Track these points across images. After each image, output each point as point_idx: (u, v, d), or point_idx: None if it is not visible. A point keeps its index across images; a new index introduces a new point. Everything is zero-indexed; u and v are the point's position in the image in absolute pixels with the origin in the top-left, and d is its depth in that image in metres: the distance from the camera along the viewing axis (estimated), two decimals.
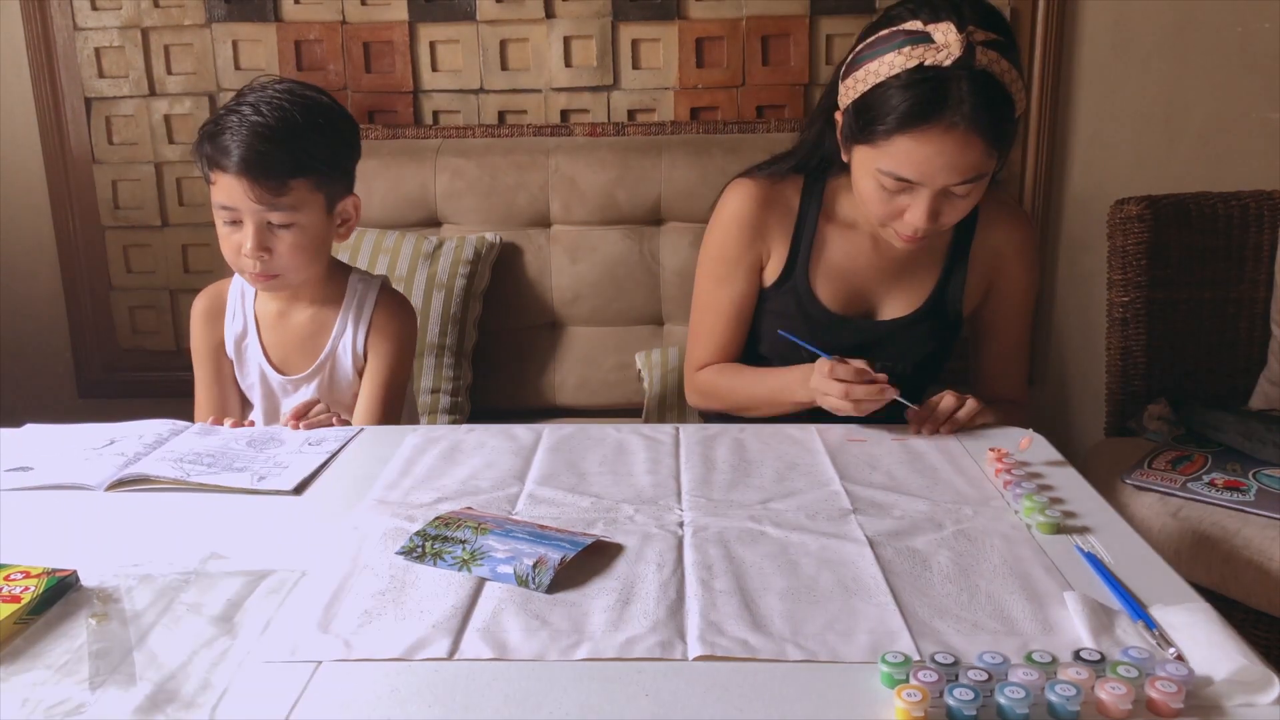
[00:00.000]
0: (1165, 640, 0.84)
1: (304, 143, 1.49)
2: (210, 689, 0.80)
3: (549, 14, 2.37)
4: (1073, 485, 1.19)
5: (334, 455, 1.30)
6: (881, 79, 1.34)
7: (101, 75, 2.43)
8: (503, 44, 2.39)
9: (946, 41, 1.29)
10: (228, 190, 1.48)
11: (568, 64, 2.39)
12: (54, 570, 0.96)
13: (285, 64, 2.40)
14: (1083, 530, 1.07)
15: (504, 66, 2.41)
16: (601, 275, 2.25)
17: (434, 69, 2.41)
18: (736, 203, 1.59)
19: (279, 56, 2.40)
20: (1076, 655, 0.81)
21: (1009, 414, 1.53)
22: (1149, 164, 2.39)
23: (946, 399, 1.37)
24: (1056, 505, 1.11)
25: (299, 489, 1.20)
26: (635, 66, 2.39)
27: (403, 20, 2.38)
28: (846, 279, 1.57)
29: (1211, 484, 1.77)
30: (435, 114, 2.44)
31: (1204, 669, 0.79)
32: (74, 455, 1.29)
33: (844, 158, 1.47)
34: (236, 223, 1.50)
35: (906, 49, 1.31)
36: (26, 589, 0.92)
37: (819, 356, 1.41)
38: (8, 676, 0.82)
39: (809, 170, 1.58)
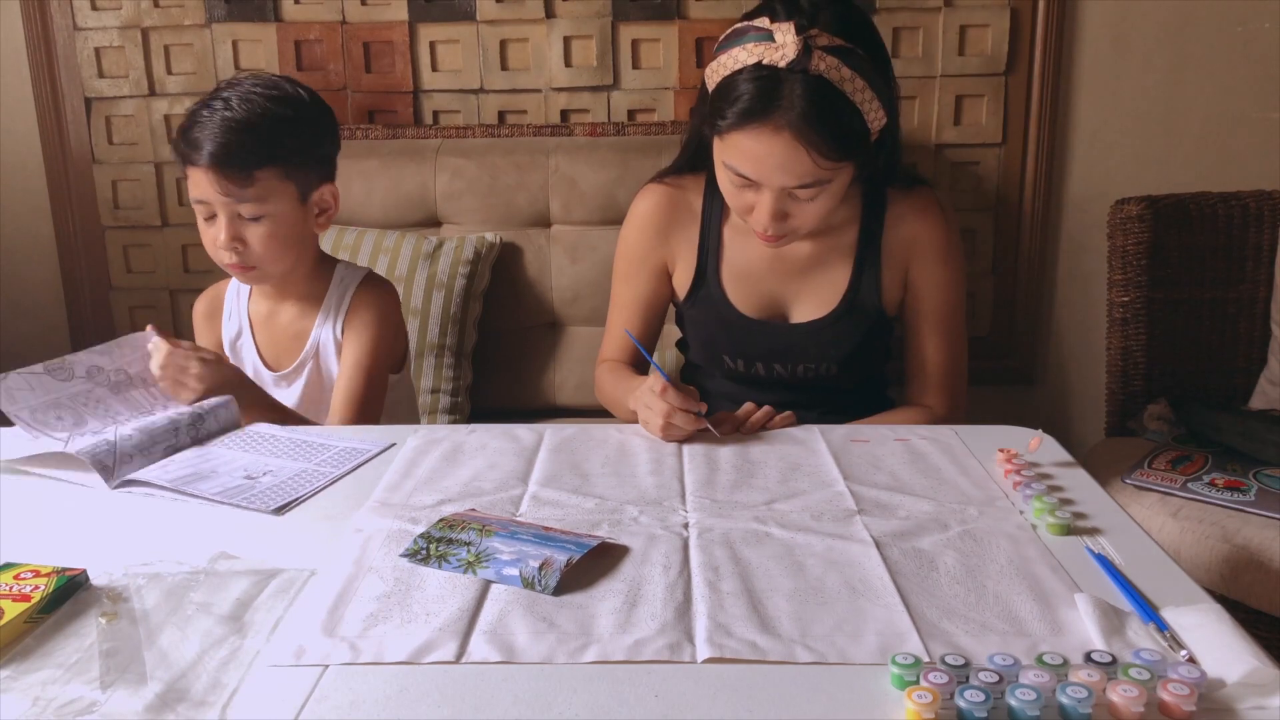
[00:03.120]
0: (1177, 642, 0.84)
1: (270, 133, 1.49)
2: (220, 688, 0.80)
3: (549, 14, 2.37)
4: (1082, 486, 1.19)
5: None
6: (729, 71, 1.35)
7: (101, 75, 2.43)
8: (503, 44, 2.39)
9: (784, 42, 1.30)
10: (199, 183, 1.50)
11: (568, 64, 2.39)
12: (64, 569, 0.96)
13: (285, 64, 2.40)
14: (1093, 531, 1.07)
15: (504, 66, 2.40)
16: (601, 275, 2.25)
17: (434, 69, 2.41)
18: (642, 205, 1.62)
19: (279, 56, 2.40)
20: (1088, 657, 0.81)
21: (908, 419, 1.51)
22: (1149, 164, 2.39)
23: (745, 410, 1.39)
24: (1066, 506, 1.11)
25: (280, 510, 1.15)
26: (635, 66, 2.39)
27: (403, 20, 2.38)
28: (756, 282, 1.56)
29: (1211, 484, 1.77)
30: (435, 114, 2.43)
31: (1216, 671, 0.79)
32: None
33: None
34: (212, 216, 1.52)
35: (751, 45, 1.32)
36: (36, 588, 0.92)
37: (656, 370, 1.38)
38: (18, 675, 0.82)
39: (704, 166, 1.55)
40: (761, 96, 1.30)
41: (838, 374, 1.57)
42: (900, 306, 1.60)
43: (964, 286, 1.59)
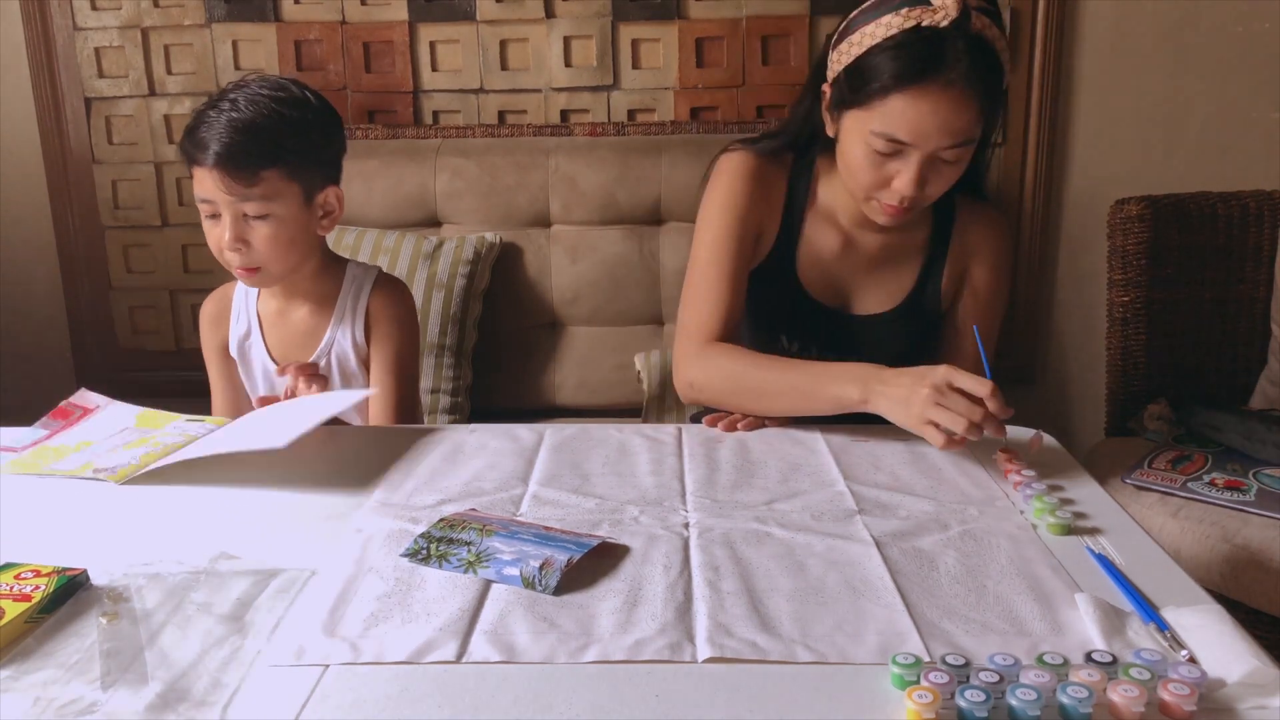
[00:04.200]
0: (1177, 642, 0.84)
1: (275, 134, 1.50)
2: (221, 688, 0.80)
3: (549, 14, 2.37)
4: (1082, 486, 1.19)
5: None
6: (878, 40, 1.35)
7: (101, 75, 2.43)
8: (503, 44, 2.39)
9: (945, 4, 1.31)
10: (204, 183, 1.50)
11: (568, 64, 2.39)
12: (64, 569, 0.96)
13: (285, 64, 2.40)
14: (1093, 531, 1.07)
15: (504, 66, 2.40)
16: (601, 275, 2.25)
17: (434, 69, 2.41)
18: (741, 166, 1.54)
19: (279, 56, 2.40)
20: (1088, 657, 0.81)
21: None
22: (1149, 164, 2.39)
23: None
24: (1066, 506, 1.11)
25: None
26: (635, 66, 2.39)
27: (403, 20, 2.38)
28: (827, 268, 1.56)
29: (1211, 484, 1.77)
30: (435, 114, 2.44)
31: (1216, 671, 0.79)
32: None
33: (829, 131, 1.46)
34: (216, 216, 1.52)
35: (904, 10, 1.33)
36: (37, 588, 0.92)
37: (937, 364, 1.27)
38: (19, 675, 0.82)
39: (798, 149, 1.56)
40: (930, 56, 1.31)
41: None
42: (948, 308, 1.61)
43: (1006, 304, 1.63)
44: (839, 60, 1.41)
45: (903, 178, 1.38)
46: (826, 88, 1.45)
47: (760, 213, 1.54)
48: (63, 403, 1.42)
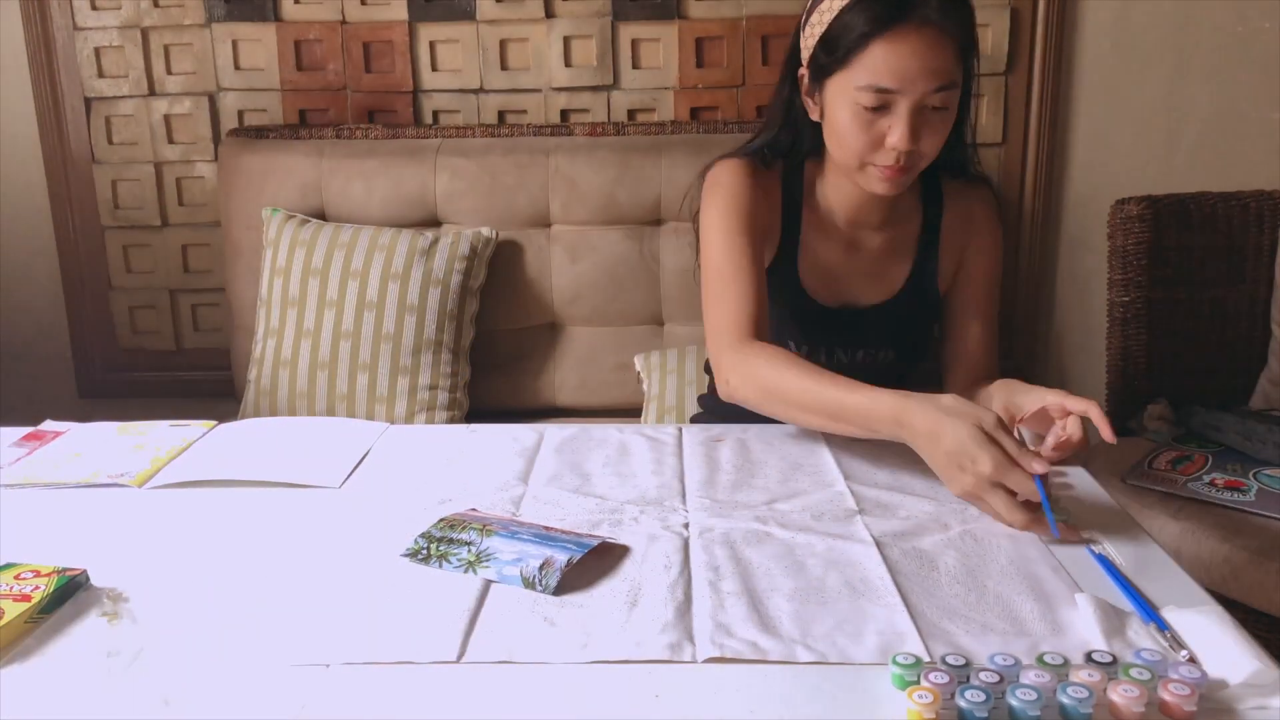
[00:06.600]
0: (1178, 643, 0.84)
1: None
2: (221, 688, 0.80)
3: (549, 14, 2.37)
4: (1082, 486, 1.19)
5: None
6: (846, 1, 1.36)
7: (101, 75, 2.42)
8: (503, 44, 2.39)
9: None
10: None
11: (568, 64, 2.39)
12: (64, 569, 0.96)
13: (285, 64, 2.40)
14: (1093, 532, 1.07)
15: (504, 66, 2.40)
16: (601, 275, 2.25)
17: (434, 69, 2.41)
18: (735, 169, 1.52)
19: (279, 56, 2.40)
20: (1088, 657, 0.81)
21: None
22: (1149, 164, 2.39)
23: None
24: (1068, 506, 1.11)
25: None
26: (635, 66, 2.39)
27: (403, 20, 2.38)
28: (829, 271, 1.56)
29: (1211, 484, 1.77)
30: (435, 114, 2.43)
31: (1217, 672, 0.79)
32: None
33: (813, 115, 1.46)
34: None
35: None
36: (36, 588, 0.92)
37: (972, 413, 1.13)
38: (19, 675, 0.82)
39: (784, 149, 1.54)
40: (896, 2, 1.32)
41: (894, 359, 1.59)
42: (947, 291, 1.61)
43: (1001, 280, 1.63)
44: (811, 36, 1.41)
45: (896, 131, 1.37)
46: (803, 70, 1.45)
47: (764, 214, 1.51)
48: (30, 429, 1.41)
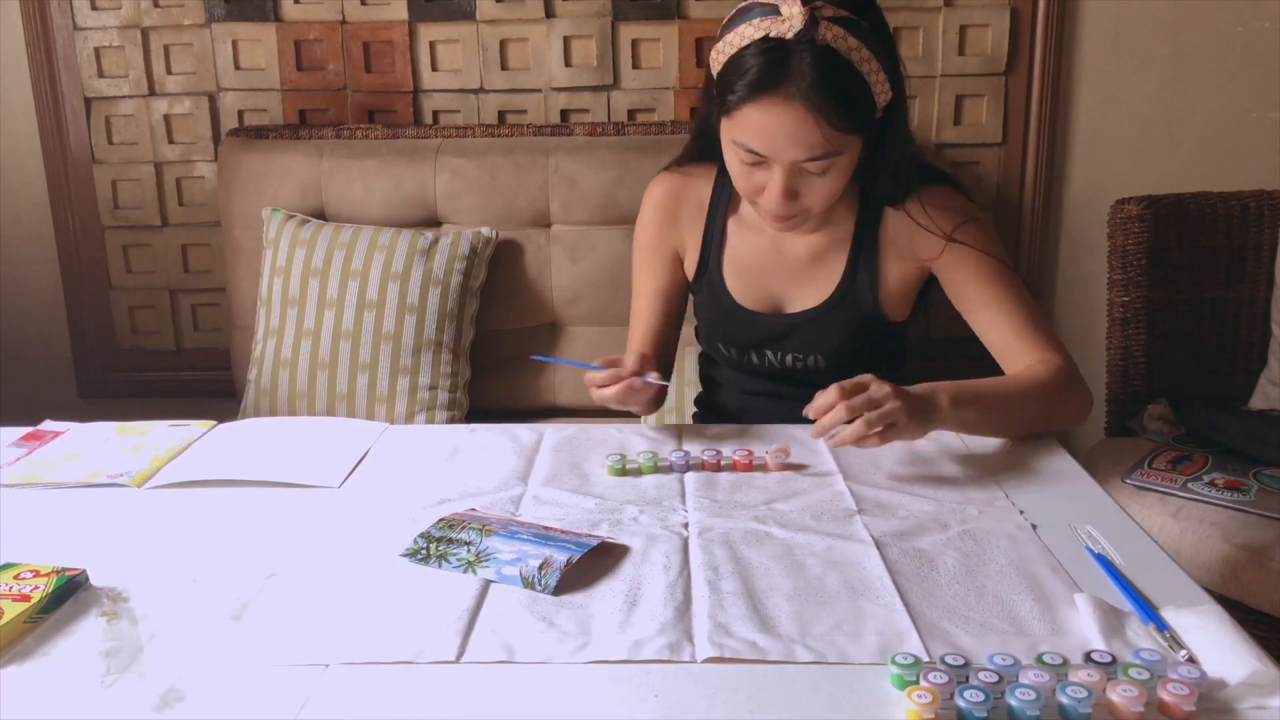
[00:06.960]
0: (1177, 642, 0.84)
1: None
2: (221, 688, 0.80)
3: (549, 14, 2.37)
4: (1083, 486, 1.19)
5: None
6: (735, 49, 1.35)
7: (101, 75, 2.42)
8: (503, 44, 2.39)
9: (790, 14, 1.30)
10: None
11: (568, 64, 2.39)
12: (64, 569, 0.96)
13: (285, 64, 2.39)
14: (1092, 531, 1.07)
15: (504, 66, 2.40)
16: (601, 275, 2.25)
17: (434, 69, 2.41)
18: (653, 193, 1.64)
19: (279, 56, 2.40)
20: (1087, 657, 0.81)
21: (1051, 397, 1.40)
22: (1149, 164, 2.39)
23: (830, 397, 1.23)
24: (1066, 506, 1.12)
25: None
26: (635, 66, 2.39)
27: (402, 20, 2.38)
28: (755, 274, 1.56)
29: (1211, 484, 1.77)
30: (435, 114, 2.43)
31: (1216, 671, 0.79)
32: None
33: (719, 135, 1.45)
34: None
35: (757, 20, 1.32)
36: (36, 588, 0.92)
37: (588, 369, 1.42)
38: (19, 675, 0.82)
39: (714, 154, 1.52)
40: (770, 68, 1.30)
41: (825, 368, 1.55)
42: (955, 294, 1.52)
43: (1007, 262, 1.52)
44: (713, 66, 1.41)
45: (769, 192, 1.37)
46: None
47: (672, 236, 1.62)
48: (30, 429, 1.41)
